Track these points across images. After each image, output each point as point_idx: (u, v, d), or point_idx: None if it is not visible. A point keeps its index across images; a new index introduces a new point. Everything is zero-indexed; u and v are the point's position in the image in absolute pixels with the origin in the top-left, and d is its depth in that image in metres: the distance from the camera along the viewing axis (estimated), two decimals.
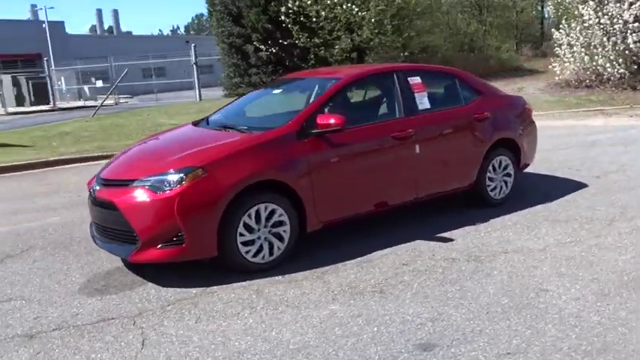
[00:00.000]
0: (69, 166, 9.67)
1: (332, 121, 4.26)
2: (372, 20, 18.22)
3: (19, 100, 27.07)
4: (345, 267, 4.17)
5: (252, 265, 4.06)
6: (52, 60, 34.34)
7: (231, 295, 3.76)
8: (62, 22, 44.22)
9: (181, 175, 3.85)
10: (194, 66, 22.20)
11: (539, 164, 6.74)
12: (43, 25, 36.47)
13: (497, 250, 4.39)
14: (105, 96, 20.98)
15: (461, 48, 26.51)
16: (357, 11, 18.31)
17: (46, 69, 26.09)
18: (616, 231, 4.72)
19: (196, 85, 22.27)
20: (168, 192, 3.80)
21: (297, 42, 18.98)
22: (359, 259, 4.32)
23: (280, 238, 4.18)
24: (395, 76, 4.99)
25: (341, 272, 4.08)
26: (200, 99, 22.18)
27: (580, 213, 5.27)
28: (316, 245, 4.58)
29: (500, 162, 5.57)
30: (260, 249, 4.09)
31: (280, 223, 4.16)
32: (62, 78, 30.91)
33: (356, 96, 5.40)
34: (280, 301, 3.62)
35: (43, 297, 3.88)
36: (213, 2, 21.33)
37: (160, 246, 3.83)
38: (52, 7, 44.61)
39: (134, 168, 4.23)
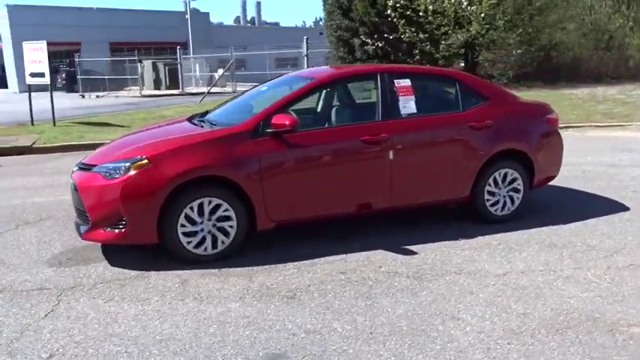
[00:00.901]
0: None
1: (286, 122, 4.25)
2: (482, 15, 17.26)
3: (157, 84, 29.88)
4: (283, 268, 4.16)
5: (193, 255, 4.22)
6: (190, 48, 37.42)
7: (159, 281, 3.97)
8: (207, 14, 47.85)
9: (128, 164, 4.12)
10: (305, 57, 22.73)
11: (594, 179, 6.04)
12: (186, 16, 39.66)
13: (450, 270, 4.08)
14: (213, 84, 22.33)
15: (596, 46, 23.94)
16: (467, 5, 17.46)
17: (178, 56, 28.48)
18: (606, 265, 4.13)
19: None
20: (115, 179, 4.09)
21: (402, 36, 18.61)
22: (305, 262, 4.28)
23: (225, 233, 4.28)
24: (378, 78, 4.80)
25: (274, 273, 4.08)
26: None
27: (586, 240, 4.68)
28: (280, 243, 4.64)
29: (505, 175, 5.11)
30: (202, 241, 4.23)
31: (226, 218, 4.26)
32: (197, 65, 33.46)
33: (331, 97, 5.26)
34: (193, 293, 3.75)
35: (16, 262, 4.39)
36: None
37: (106, 228, 4.14)
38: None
39: (103, 155, 4.59)
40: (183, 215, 4.14)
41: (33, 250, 4.67)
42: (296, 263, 4.25)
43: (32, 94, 13.29)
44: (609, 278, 3.88)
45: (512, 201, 5.20)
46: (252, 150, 4.27)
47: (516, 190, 5.19)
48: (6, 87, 40.26)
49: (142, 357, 2.94)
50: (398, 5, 18.34)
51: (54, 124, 12.89)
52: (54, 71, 38.98)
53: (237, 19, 61.93)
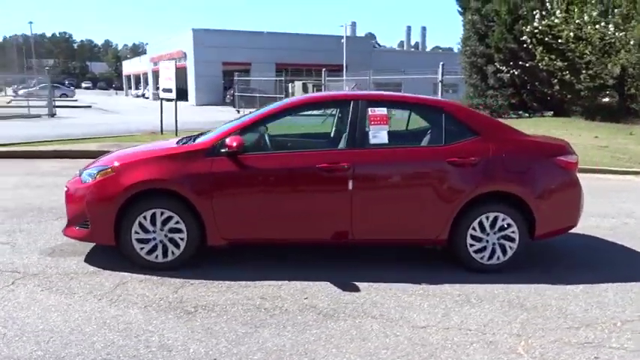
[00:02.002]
0: None
1: (234, 143, 4.37)
2: (632, 43, 15.28)
3: None
4: (216, 285, 4.24)
5: (145, 262, 4.51)
6: (344, 71, 38.72)
7: (103, 279, 4.31)
8: (368, 38, 49.16)
9: (96, 171, 4.58)
10: (439, 84, 22.24)
11: None
12: (342, 41, 41.26)
13: (370, 313, 3.81)
14: None
15: None
16: (614, 31, 15.61)
17: (323, 78, 29.74)
18: (555, 338, 3.52)
19: None
20: (86, 184, 4.58)
21: (539, 64, 17.27)
22: (242, 282, 4.31)
23: (176, 244, 4.51)
24: (351, 105, 4.66)
25: (202, 288, 4.18)
26: None
27: (566, 307, 4.02)
28: (243, 260, 4.78)
29: (495, 220, 4.58)
30: (154, 249, 4.51)
31: (177, 230, 4.49)
32: (346, 87, 34.58)
33: (301, 122, 5.18)
34: (116, 295, 4.01)
35: (20, 245, 5.09)
36: (467, 20, 21.02)
37: (77, 226, 4.63)
38: (353, 23, 49.73)
39: (94, 163, 5.11)
40: (137, 222, 4.46)
41: (38, 238, 5.32)
42: (233, 283, 4.30)
43: (206, 107, 14.87)
44: (538, 355, 3.29)
45: (505, 250, 4.63)
46: (206, 168, 4.45)
47: (509, 239, 4.62)
48: (186, 100, 45.60)
49: (12, 340, 3.27)
50: (536, 31, 17.10)
51: (176, 134, 14.41)
52: (227, 88, 43.10)
53: (400, 44, 62.76)
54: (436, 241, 4.66)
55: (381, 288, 4.27)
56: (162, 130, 14.84)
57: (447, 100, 5.19)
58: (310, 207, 4.53)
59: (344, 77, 36.42)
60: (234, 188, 4.49)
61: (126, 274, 4.43)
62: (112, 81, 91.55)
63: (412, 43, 63.58)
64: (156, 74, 57.19)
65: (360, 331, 3.54)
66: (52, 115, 24.09)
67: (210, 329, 3.51)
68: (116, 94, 73.91)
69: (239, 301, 3.97)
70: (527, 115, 19.30)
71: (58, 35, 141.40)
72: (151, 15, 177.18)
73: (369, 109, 4.63)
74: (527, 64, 18.05)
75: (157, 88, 53.26)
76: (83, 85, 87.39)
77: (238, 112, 31.46)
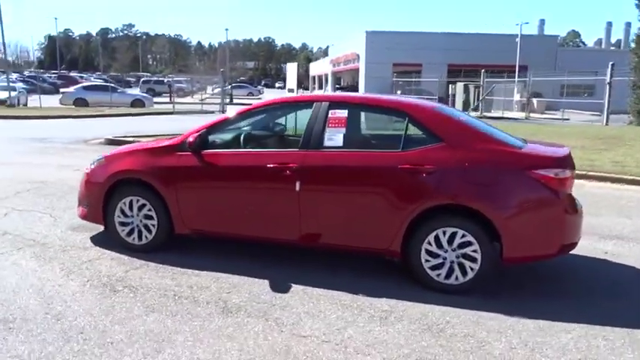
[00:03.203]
0: None
1: (189, 139, 4.63)
2: None
3: (465, 106, 30.28)
4: (163, 270, 4.56)
5: (124, 242, 5.03)
6: (516, 72, 36.14)
7: (80, 254, 4.89)
8: (555, 37, 45.03)
9: (96, 160, 5.22)
10: (607, 86, 19.82)
11: None
12: (516, 40, 38.39)
13: (265, 315, 3.77)
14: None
15: None
16: None
17: (481, 79, 28.15)
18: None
19: (605, 107, 19.75)
20: (88, 170, 5.25)
21: None
22: (190, 270, 4.55)
23: (149, 230, 4.94)
24: (313, 107, 4.58)
25: (151, 272, 4.53)
26: (607, 123, 19.68)
27: (494, 342, 3.50)
28: (210, 251, 5.03)
29: (453, 236, 4.14)
30: (131, 232, 5.00)
31: (150, 217, 4.92)
32: (515, 89, 32.31)
33: (264, 123, 5.09)
34: (67, 266, 4.54)
35: (61, 218, 6.00)
36: None
37: (82, 207, 5.33)
38: (526, 23, 45.83)
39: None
40: (119, 207, 4.99)
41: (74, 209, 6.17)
42: (186, 270, 4.56)
43: None
44: None
45: (464, 271, 4.15)
46: (173, 162, 4.78)
47: (470, 258, 4.13)
48: None
49: None
50: None
51: None
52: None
53: (598, 42, 56.03)
54: (388, 252, 4.36)
55: (311, 294, 4.16)
56: None
57: (413, 103, 4.75)
58: (262, 206, 4.59)
59: (515, 79, 34.21)
60: (195, 182, 4.76)
61: (107, 251, 4.98)
62: (302, 81, 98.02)
63: (613, 40, 56.48)
64: (334, 75, 60.03)
65: (237, 329, 3.55)
66: (223, 111, 26.90)
67: (112, 307, 3.83)
68: (303, 93, 78.91)
69: (168, 287, 4.23)
70: None
71: (262, 40, 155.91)
72: (346, 18, 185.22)
73: (331, 111, 4.51)
74: None
75: (336, 88, 55.69)
76: (276, 85, 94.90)
77: None
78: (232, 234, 4.80)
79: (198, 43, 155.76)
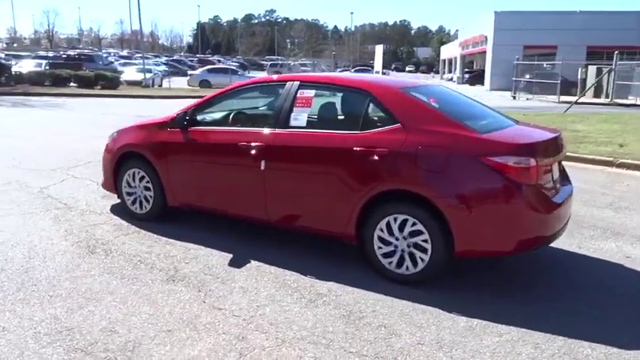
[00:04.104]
0: None
1: (172, 116, 4.91)
2: None
3: (597, 92, 27.44)
4: (148, 237, 4.92)
5: (130, 210, 5.48)
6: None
7: (89, 218, 5.42)
8: None
9: (111, 135, 5.72)
10: None
11: None
12: None
13: (201, 285, 3.93)
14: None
15: None
16: None
17: (614, 62, 25.16)
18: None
19: None
20: (106, 144, 5.78)
21: None
22: (175, 242, 4.84)
23: (147, 200, 5.34)
24: (285, 87, 4.59)
25: (135, 237, 4.92)
26: None
27: (401, 332, 3.35)
28: (209, 226, 5.28)
29: (404, 223, 3.96)
30: (134, 201, 5.44)
31: (148, 189, 5.31)
32: None
33: (251, 101, 5.08)
34: (71, 229, 5.07)
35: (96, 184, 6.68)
36: None
37: (103, 177, 5.89)
38: None
39: None
40: (125, 178, 5.45)
41: None
42: (164, 239, 4.88)
43: (496, 92, 15.47)
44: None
45: (415, 261, 3.97)
46: (164, 138, 5.10)
47: (420, 248, 3.93)
48: (482, 84, 44.72)
49: None
50: None
51: None
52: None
53: None
54: (345, 236, 4.28)
55: (263, 271, 4.24)
56: None
57: (378, 83, 4.50)
58: (235, 183, 4.74)
59: None
60: (181, 157, 5.04)
61: (115, 217, 5.48)
62: (434, 65, 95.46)
63: None
64: (463, 58, 57.64)
65: (165, 296, 3.75)
66: None
67: (77, 266, 4.23)
68: (432, 77, 76.94)
69: (139, 252, 4.56)
70: None
71: (398, 23, 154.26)
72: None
73: (299, 91, 4.51)
74: None
75: (464, 72, 53.44)
76: (407, 68, 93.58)
77: (514, 98, 29.61)
78: (212, 209, 5.01)
79: (335, 27, 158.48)
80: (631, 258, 4.80)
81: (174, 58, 63.22)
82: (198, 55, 77.72)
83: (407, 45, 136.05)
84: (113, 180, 5.56)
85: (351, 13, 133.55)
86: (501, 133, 4.07)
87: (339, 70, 37.06)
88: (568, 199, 4.26)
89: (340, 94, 4.60)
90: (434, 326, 3.44)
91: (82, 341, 3.14)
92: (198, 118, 5.02)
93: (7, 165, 7.90)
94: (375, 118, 4.19)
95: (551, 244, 4.28)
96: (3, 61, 26.74)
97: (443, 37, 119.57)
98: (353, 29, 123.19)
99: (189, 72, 33.18)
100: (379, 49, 15.39)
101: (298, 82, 4.57)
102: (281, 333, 3.30)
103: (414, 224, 3.91)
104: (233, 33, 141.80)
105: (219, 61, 59.97)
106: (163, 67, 41.02)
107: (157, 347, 3.10)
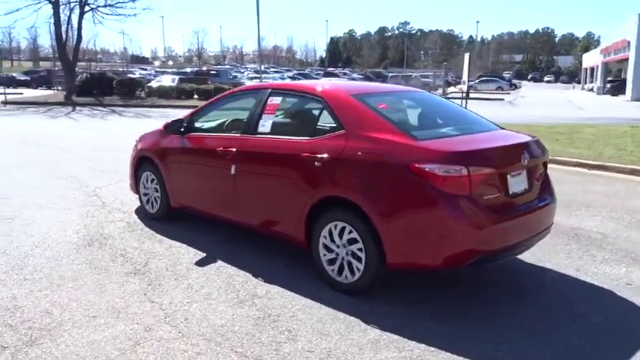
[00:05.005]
0: None
1: (166, 123, 5.31)
2: None
3: None
4: (147, 236, 5.35)
5: (146, 211, 5.99)
6: None
7: (110, 215, 6.04)
8: None
9: (135, 142, 6.28)
10: None
11: None
12: None
13: (157, 278, 4.22)
14: None
15: None
16: None
17: None
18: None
19: None
20: None
21: None
22: (163, 237, 5.25)
23: (156, 201, 5.80)
24: (259, 95, 4.76)
25: (139, 234, 5.36)
26: None
27: (261, 336, 3.35)
28: (208, 224, 5.63)
29: (342, 230, 3.93)
30: (148, 201, 5.93)
31: (157, 190, 5.77)
32: None
33: (236, 108, 5.17)
34: (86, 224, 5.68)
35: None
36: None
37: (129, 180, 6.47)
38: None
39: None
40: (142, 180, 5.97)
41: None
42: (159, 237, 5.28)
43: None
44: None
45: (352, 270, 3.90)
46: (166, 143, 5.52)
47: (357, 257, 3.86)
48: (623, 94, 40.67)
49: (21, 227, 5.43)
50: None
51: None
52: None
53: None
54: (297, 241, 4.32)
55: (219, 271, 4.42)
56: None
57: (333, 89, 4.39)
58: (215, 187, 4.99)
59: None
60: (178, 162, 5.41)
61: (134, 216, 6.01)
62: (576, 74, 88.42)
63: None
64: (605, 66, 52.70)
65: (116, 287, 4.08)
66: None
67: (67, 256, 4.74)
68: (573, 87, 71.42)
69: (127, 247, 4.98)
70: None
71: (540, 31, 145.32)
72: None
73: (270, 98, 4.65)
74: None
75: (605, 82, 49.00)
76: (545, 78, 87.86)
77: None
78: (200, 211, 5.32)
79: (470, 37, 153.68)
80: (632, 285, 4.22)
81: (304, 71, 65.83)
82: (324, 68, 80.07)
83: (548, 53, 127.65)
84: (134, 182, 6.10)
85: (477, 22, 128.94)
86: (447, 140, 3.86)
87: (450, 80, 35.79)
88: (533, 212, 3.91)
89: (303, 101, 4.65)
90: (338, 336, 3.37)
91: (18, 318, 3.56)
92: (193, 124, 5.35)
93: (85, 165, 8.98)
94: (327, 125, 4.18)
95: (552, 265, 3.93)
96: (137, 78, 29.99)
97: (590, 43, 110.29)
98: (478, 39, 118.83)
99: None
100: (466, 58, 14.76)
101: (270, 90, 4.72)
102: (187, 328, 3.46)
103: (350, 232, 3.86)
104: (366, 46, 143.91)
105: (344, 74, 61.25)
106: (288, 80, 43.01)
107: (72, 330, 3.43)
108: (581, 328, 3.51)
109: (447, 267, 3.60)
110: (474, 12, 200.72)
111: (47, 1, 26.93)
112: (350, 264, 3.89)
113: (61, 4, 27.10)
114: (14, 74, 48.49)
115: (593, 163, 9.48)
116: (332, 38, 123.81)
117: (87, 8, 28.12)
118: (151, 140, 5.83)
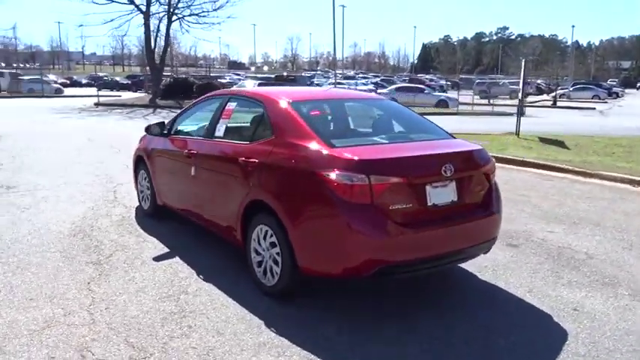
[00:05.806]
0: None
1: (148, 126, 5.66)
2: None
3: None
4: (133, 229, 5.72)
5: (141, 206, 6.40)
6: None
7: (116, 210, 6.49)
8: None
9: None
10: None
11: None
12: None
13: (130, 269, 4.53)
14: None
15: None
16: None
17: None
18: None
19: None
20: None
21: None
22: (148, 236, 5.59)
23: (148, 198, 6.17)
24: (221, 100, 4.96)
25: (131, 231, 5.73)
26: None
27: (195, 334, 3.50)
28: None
29: (266, 234, 4.02)
30: (142, 198, 6.33)
31: (148, 188, 6.14)
32: None
33: (208, 112, 5.28)
34: (93, 215, 6.15)
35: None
36: None
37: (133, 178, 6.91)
38: None
39: None
40: (139, 178, 6.39)
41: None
42: (144, 234, 5.62)
43: None
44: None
45: (273, 274, 3.99)
46: (154, 144, 5.88)
47: (275, 262, 3.94)
48: None
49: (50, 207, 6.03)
50: None
51: (517, 136, 13.75)
52: None
53: None
54: (237, 243, 4.44)
55: (172, 266, 4.66)
56: (517, 132, 14.26)
57: (275, 95, 4.40)
58: (182, 186, 5.26)
59: None
60: (159, 162, 5.74)
61: (132, 211, 6.43)
62: None
63: None
64: None
65: (72, 274, 4.43)
66: (522, 114, 25.31)
67: (53, 244, 5.19)
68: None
69: (112, 241, 5.30)
70: None
71: None
72: None
73: (228, 103, 4.84)
74: None
75: None
76: None
77: None
78: (176, 209, 5.58)
79: (576, 42, 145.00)
80: (578, 311, 3.92)
81: (391, 78, 65.46)
82: (408, 74, 79.12)
83: None
84: (135, 179, 6.53)
85: (573, 26, 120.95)
86: (362, 148, 3.81)
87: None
88: (462, 224, 3.77)
89: (251, 108, 4.76)
90: (231, 336, 3.46)
91: None
92: (174, 127, 5.65)
93: (124, 164, 9.65)
94: (265, 131, 4.28)
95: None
96: (226, 82, 31.86)
97: None
98: (569, 43, 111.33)
99: (379, 90, 34.26)
100: (523, 64, 14.23)
101: (229, 96, 4.91)
102: (101, 317, 3.70)
103: (271, 236, 3.93)
104: (462, 51, 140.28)
105: (431, 80, 60.20)
106: (370, 86, 43.01)
107: (3, 309, 3.79)
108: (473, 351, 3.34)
109: (348, 276, 3.57)
110: (579, 17, 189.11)
111: (139, 12, 28.98)
112: (271, 267, 3.96)
113: (150, 14, 29.00)
114: (118, 78, 52.68)
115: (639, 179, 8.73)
116: (424, 44, 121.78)
117: (174, 18, 29.91)
118: (145, 141, 6.22)
